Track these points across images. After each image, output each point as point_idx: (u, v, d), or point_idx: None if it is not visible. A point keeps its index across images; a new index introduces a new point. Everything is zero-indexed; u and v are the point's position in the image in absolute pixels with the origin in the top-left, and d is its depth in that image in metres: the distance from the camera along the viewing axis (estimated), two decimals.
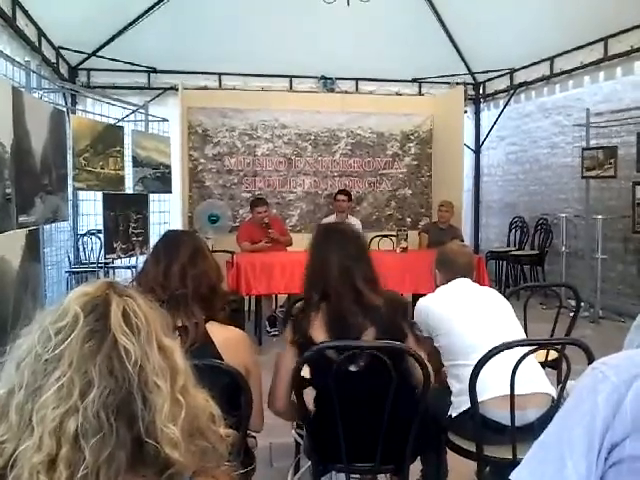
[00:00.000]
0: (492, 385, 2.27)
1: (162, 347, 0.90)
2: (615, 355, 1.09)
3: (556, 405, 2.28)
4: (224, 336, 1.93)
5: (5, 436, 0.82)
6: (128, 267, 7.29)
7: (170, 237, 2.16)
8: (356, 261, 2.18)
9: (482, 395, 2.24)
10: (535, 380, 2.41)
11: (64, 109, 4.98)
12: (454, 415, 2.46)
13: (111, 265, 7.08)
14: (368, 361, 2.07)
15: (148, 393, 0.85)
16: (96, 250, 7.30)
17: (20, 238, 3.35)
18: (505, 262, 7.90)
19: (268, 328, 6.10)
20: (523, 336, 2.55)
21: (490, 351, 2.14)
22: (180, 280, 1.94)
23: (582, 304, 4.14)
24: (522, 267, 7.86)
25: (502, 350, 2.14)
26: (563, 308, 6.08)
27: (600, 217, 6.38)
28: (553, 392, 2.43)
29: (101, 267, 7.00)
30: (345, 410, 2.06)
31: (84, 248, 7.40)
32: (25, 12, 5.67)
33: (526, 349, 2.24)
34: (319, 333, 2.11)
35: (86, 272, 6.51)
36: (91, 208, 6.93)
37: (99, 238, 7.20)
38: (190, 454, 0.87)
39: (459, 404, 2.44)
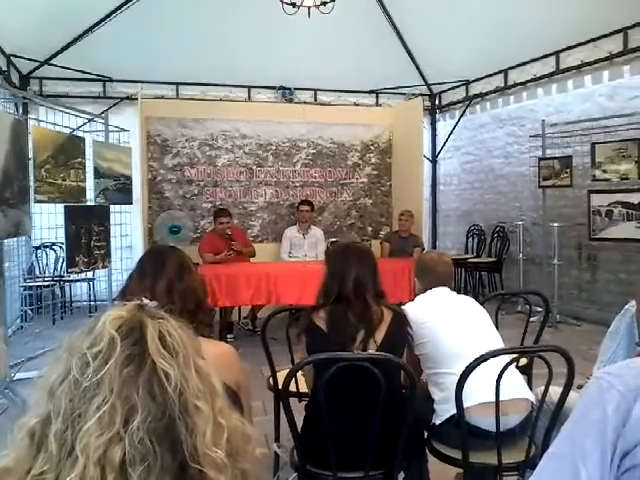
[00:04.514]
0: (474, 392, 2.30)
1: (199, 369, 0.88)
2: (616, 365, 1.13)
3: (538, 409, 2.32)
4: (214, 352, 1.88)
5: (45, 467, 0.78)
6: (85, 280, 7.12)
7: (155, 252, 2.11)
8: (369, 278, 2.37)
9: (465, 402, 2.27)
10: (515, 386, 2.46)
11: (22, 119, 4.82)
12: (438, 423, 2.48)
13: (67, 279, 6.89)
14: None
15: (189, 417, 0.83)
16: (51, 264, 7.10)
17: None
18: (463, 269, 8.05)
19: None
20: (501, 343, 2.60)
21: (476, 360, 2.17)
22: (167, 296, 1.90)
23: (539, 309, 4.25)
24: (480, 274, 8.02)
25: (488, 358, 2.17)
26: (521, 314, 6.29)
27: (556, 225, 6.58)
28: (532, 397, 2.48)
29: (57, 281, 6.80)
30: (335, 413, 2.10)
31: (38, 262, 7.17)
32: None
33: (508, 357, 2.29)
34: (320, 322, 2.32)
35: (42, 287, 6.28)
36: (45, 220, 6.71)
37: (54, 251, 7.00)
38: (234, 478, 0.85)
39: (442, 412, 2.46)
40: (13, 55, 6.73)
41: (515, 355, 2.36)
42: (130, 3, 6.62)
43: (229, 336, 6.01)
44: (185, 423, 0.82)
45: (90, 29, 6.88)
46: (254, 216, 7.54)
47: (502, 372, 2.17)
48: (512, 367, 2.40)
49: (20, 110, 6.85)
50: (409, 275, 5.37)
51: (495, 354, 2.21)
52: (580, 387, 2.47)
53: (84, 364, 0.81)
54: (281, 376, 2.70)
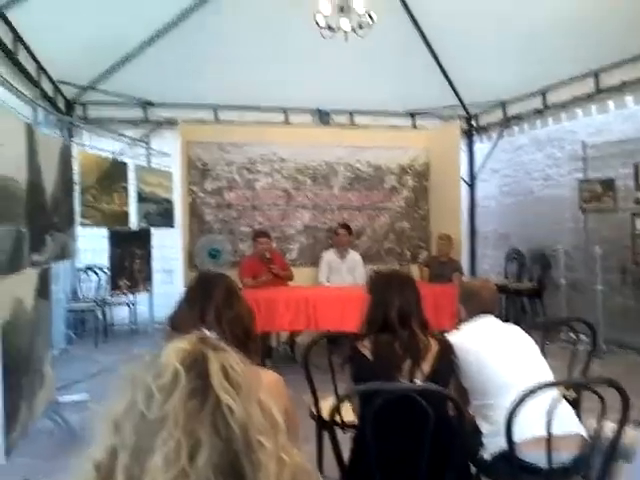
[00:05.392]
0: (525, 427, 2.24)
1: (261, 404, 0.87)
2: None
3: (592, 446, 2.25)
4: (263, 381, 1.88)
5: None
6: (126, 304, 7.21)
7: (203, 279, 2.12)
8: (414, 306, 2.37)
9: (515, 437, 2.21)
10: (567, 421, 2.38)
11: (69, 144, 4.96)
12: (486, 457, 2.42)
13: (109, 302, 6.99)
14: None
15: (253, 453, 0.81)
16: (93, 287, 7.21)
17: (32, 277, 3.29)
18: (504, 295, 7.88)
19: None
20: (551, 375, 2.53)
21: (526, 392, 2.11)
22: (217, 324, 1.90)
23: (584, 337, 4.10)
24: (521, 300, 7.85)
25: (538, 391, 2.12)
26: (564, 342, 6.12)
27: (599, 248, 6.42)
28: (584, 433, 2.40)
29: (99, 305, 6.91)
30: (383, 445, 2.07)
31: (80, 285, 7.30)
32: (26, 47, 5.67)
33: (558, 390, 2.22)
34: (365, 350, 2.32)
35: (85, 311, 6.39)
36: (86, 243, 6.84)
37: (96, 274, 7.12)
38: None
39: (491, 446, 2.40)
40: (60, 81, 6.92)
41: (566, 389, 2.29)
42: (169, 29, 6.76)
43: (268, 361, 5.99)
44: (250, 459, 0.80)
45: (131, 55, 7.04)
46: (292, 240, 7.55)
47: (553, 406, 2.10)
48: (563, 400, 2.34)
49: (66, 135, 7.04)
50: (451, 300, 5.28)
51: (546, 387, 2.16)
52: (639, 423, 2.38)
53: (149, 397, 0.80)
54: (325, 405, 2.67)
